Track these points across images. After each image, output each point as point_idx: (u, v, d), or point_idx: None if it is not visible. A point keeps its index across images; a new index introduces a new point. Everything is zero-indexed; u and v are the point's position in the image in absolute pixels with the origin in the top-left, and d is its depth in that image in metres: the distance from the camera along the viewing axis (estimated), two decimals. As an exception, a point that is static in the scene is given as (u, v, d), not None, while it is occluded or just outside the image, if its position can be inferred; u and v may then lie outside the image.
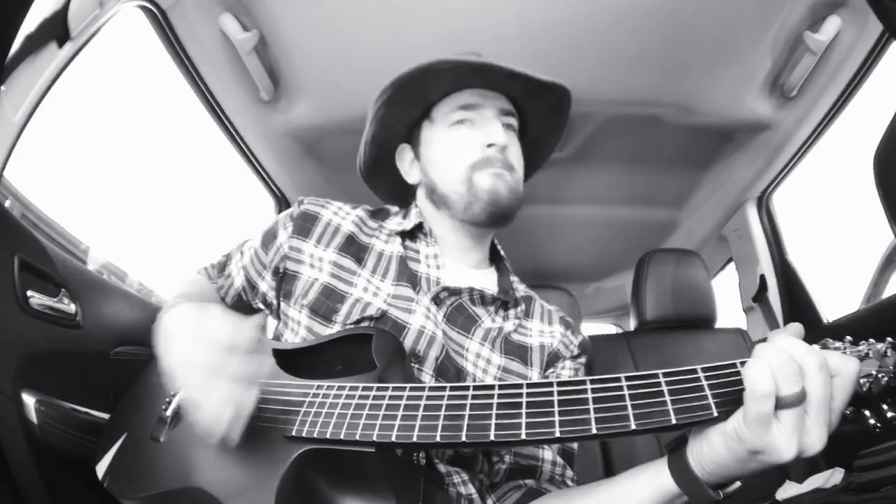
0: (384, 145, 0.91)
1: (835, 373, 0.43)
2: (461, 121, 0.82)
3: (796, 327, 0.48)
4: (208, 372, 0.49)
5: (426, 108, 0.87)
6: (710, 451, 0.45)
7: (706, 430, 0.45)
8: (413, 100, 0.84)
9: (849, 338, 0.46)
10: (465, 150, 0.80)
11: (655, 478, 0.51)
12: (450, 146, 0.82)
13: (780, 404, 0.41)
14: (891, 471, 0.73)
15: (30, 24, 0.70)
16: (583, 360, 0.85)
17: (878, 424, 0.43)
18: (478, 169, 0.79)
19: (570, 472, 0.75)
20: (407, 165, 0.90)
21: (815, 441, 0.42)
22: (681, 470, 0.48)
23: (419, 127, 0.88)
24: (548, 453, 0.75)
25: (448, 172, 0.82)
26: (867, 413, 0.44)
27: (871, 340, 0.45)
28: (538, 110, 0.88)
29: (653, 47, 1.15)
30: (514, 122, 0.85)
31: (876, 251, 1.44)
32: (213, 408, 0.49)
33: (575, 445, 0.79)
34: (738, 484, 0.48)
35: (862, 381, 0.43)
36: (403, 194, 0.95)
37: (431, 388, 0.50)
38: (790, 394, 0.41)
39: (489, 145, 0.79)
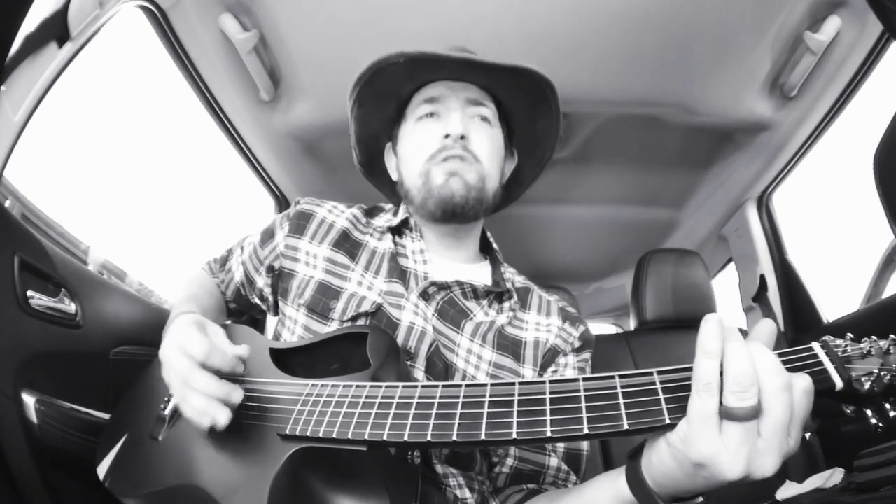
0: (370, 144, 0.91)
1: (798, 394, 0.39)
2: (429, 114, 0.81)
3: (768, 329, 0.44)
4: (182, 380, 0.56)
5: (401, 106, 0.87)
6: (658, 460, 0.43)
7: (657, 437, 0.44)
8: (382, 97, 0.84)
9: (850, 335, 0.44)
10: (426, 143, 0.79)
11: (614, 484, 0.50)
12: (414, 140, 0.82)
13: (728, 415, 0.38)
14: (891, 471, 0.73)
15: (30, 24, 0.70)
16: (587, 354, 0.82)
17: (881, 424, 0.41)
18: (435, 161, 0.77)
19: (573, 478, 0.74)
20: (392, 165, 0.90)
21: (767, 466, 0.39)
22: (635, 478, 0.47)
23: (397, 125, 0.88)
24: (553, 460, 0.74)
25: (411, 166, 0.81)
26: (869, 413, 0.42)
27: (874, 337, 0.43)
28: (520, 101, 0.85)
29: (653, 47, 1.15)
30: (485, 111, 0.82)
31: (876, 251, 1.44)
32: (191, 410, 0.55)
33: (585, 448, 0.77)
34: (699, 499, 0.45)
35: (864, 379, 0.41)
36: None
37: (424, 387, 0.50)
38: (738, 406, 0.38)
39: (446, 136, 0.77)
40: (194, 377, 0.55)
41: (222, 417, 0.54)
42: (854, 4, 1.05)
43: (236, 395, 0.55)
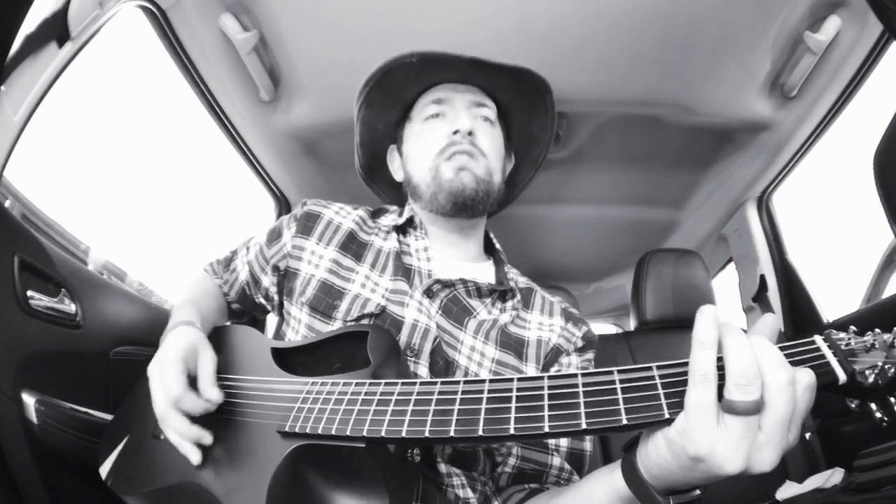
0: (374, 147, 0.95)
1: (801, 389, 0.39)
2: (435, 115, 0.86)
3: (770, 323, 0.44)
4: (160, 415, 0.60)
5: (406, 109, 0.91)
6: (655, 454, 0.43)
7: (653, 430, 0.44)
8: (389, 98, 0.89)
9: (853, 328, 0.44)
10: (433, 140, 0.83)
11: (610, 476, 0.50)
12: (422, 138, 0.85)
13: (730, 409, 0.38)
14: (891, 471, 0.73)
15: (30, 24, 0.70)
16: (590, 355, 0.83)
17: (885, 418, 0.41)
18: (444, 156, 0.81)
19: (576, 478, 0.74)
20: (396, 165, 0.94)
21: (766, 461, 0.39)
22: (630, 471, 0.47)
23: (402, 127, 0.91)
24: (556, 459, 0.74)
25: (419, 163, 0.85)
26: (873, 407, 0.41)
27: (878, 330, 0.43)
28: (518, 102, 0.90)
29: (653, 47, 1.15)
30: (489, 113, 0.87)
31: (876, 251, 1.44)
32: (170, 437, 0.60)
33: (588, 448, 0.78)
34: (696, 492, 0.44)
35: (867, 372, 0.40)
36: (400, 195, 0.96)
37: (423, 384, 0.50)
38: (741, 400, 0.38)
39: (454, 132, 0.81)
40: (168, 417, 0.59)
41: (194, 458, 0.58)
42: (854, 4, 1.05)
43: (206, 439, 0.59)
